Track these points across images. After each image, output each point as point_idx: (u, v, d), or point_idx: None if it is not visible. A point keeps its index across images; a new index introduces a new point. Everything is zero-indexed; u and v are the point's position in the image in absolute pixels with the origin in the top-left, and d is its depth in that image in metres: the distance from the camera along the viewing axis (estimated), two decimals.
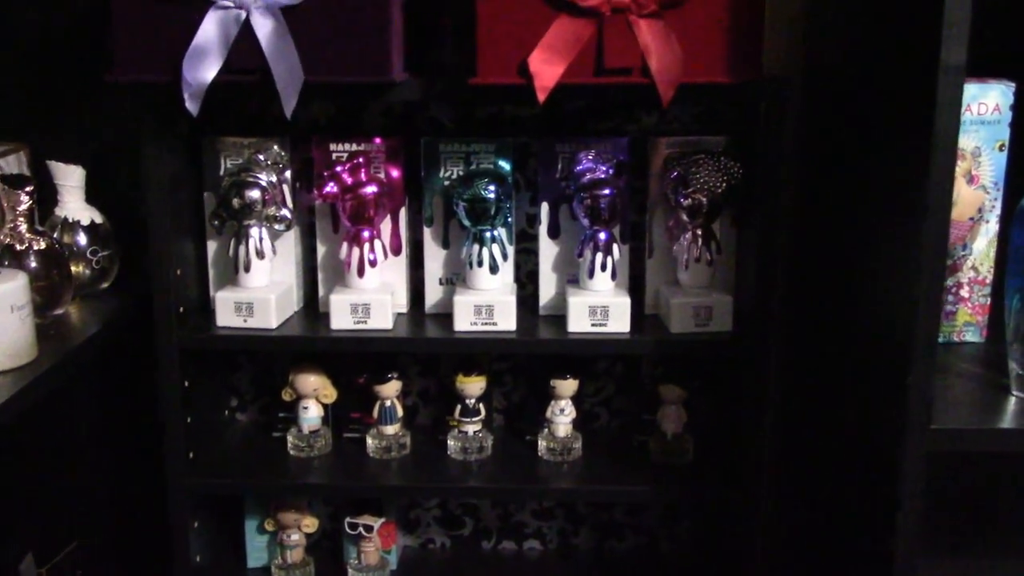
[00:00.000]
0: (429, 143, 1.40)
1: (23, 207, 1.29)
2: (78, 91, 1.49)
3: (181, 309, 1.37)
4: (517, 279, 1.48)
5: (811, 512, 1.48)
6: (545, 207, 1.41)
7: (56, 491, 1.48)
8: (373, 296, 1.37)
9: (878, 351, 1.13)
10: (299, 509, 1.53)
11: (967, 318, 1.25)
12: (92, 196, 1.45)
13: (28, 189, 1.29)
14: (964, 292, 1.24)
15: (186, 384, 1.39)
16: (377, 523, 1.52)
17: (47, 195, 1.42)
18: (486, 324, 1.36)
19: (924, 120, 0.97)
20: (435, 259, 1.44)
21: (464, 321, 1.36)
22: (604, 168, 1.36)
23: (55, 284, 1.32)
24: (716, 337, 1.35)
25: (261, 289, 1.38)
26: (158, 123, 1.28)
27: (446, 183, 1.40)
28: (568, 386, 1.46)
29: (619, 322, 1.35)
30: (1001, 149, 1.19)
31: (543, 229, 1.42)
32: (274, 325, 1.37)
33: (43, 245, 1.31)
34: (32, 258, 1.29)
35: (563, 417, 1.47)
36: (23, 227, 1.29)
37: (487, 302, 1.35)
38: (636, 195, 1.43)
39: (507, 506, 1.65)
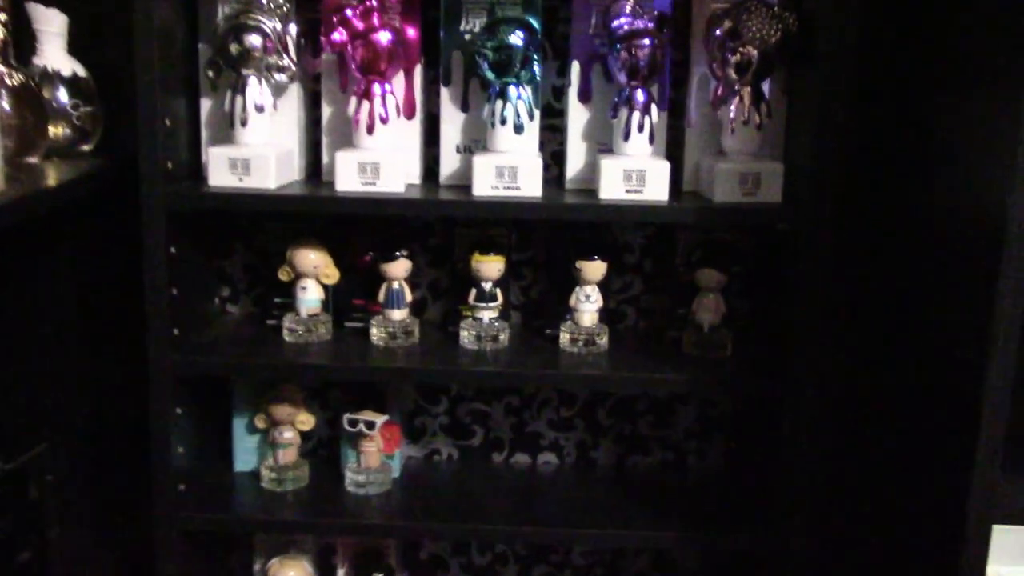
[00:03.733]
0: None
1: None
2: None
3: (170, 165, 1.23)
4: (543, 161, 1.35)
5: (861, 424, 1.35)
6: (576, 67, 1.27)
7: (24, 379, 1.34)
8: (384, 155, 1.23)
9: (961, 241, 1.00)
10: (294, 402, 1.39)
11: None
12: (77, 50, 1.32)
13: (1, 18, 1.15)
14: None
15: (173, 251, 1.25)
16: (380, 420, 1.38)
17: (25, 43, 1.29)
18: (508, 188, 1.22)
19: None
20: (453, 123, 1.30)
21: (484, 184, 1.22)
22: (644, 21, 1.23)
23: (27, 126, 1.18)
24: (764, 207, 1.22)
25: (260, 146, 1.25)
26: None
27: (467, 36, 1.26)
28: (595, 268, 1.32)
29: (657, 188, 1.21)
30: None
31: (573, 92, 1.28)
32: (273, 185, 1.23)
33: (16, 82, 1.17)
34: (3, 94, 1.15)
35: (589, 304, 1.33)
36: None
37: (510, 164, 1.22)
38: (675, 66, 1.30)
39: (521, 413, 1.51)
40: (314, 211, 1.28)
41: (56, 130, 1.29)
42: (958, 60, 1.09)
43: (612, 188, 1.22)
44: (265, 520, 1.35)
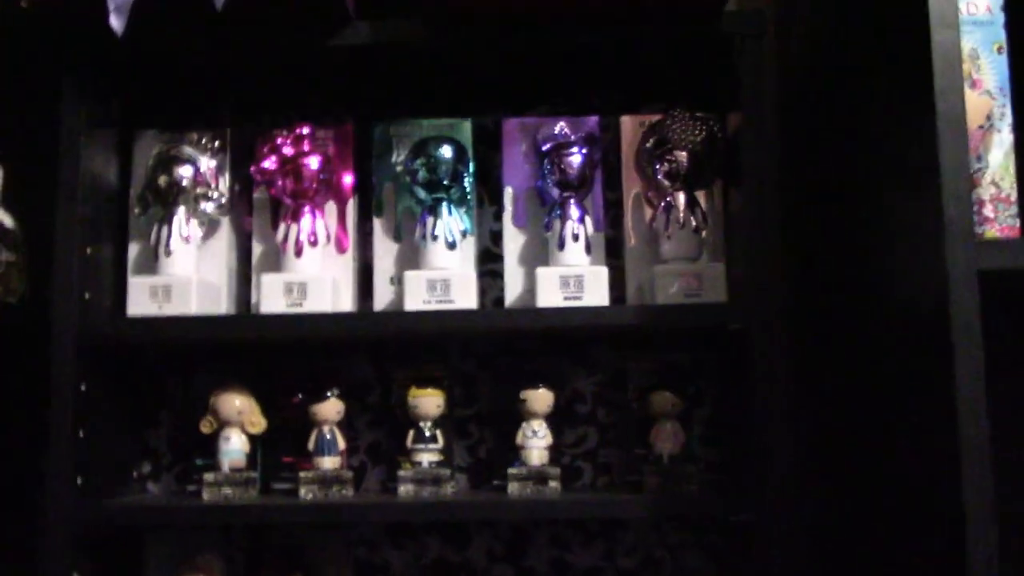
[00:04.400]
0: (381, 127, 1.28)
1: None
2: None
3: (87, 295, 1.18)
4: (481, 306, 1.30)
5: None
6: (509, 191, 1.27)
7: None
8: (311, 276, 1.19)
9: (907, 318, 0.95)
10: (210, 573, 1.23)
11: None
12: (11, 203, 1.30)
13: None
14: (988, 211, 1.08)
15: (83, 388, 1.16)
16: None
17: None
18: (441, 302, 1.17)
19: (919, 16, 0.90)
20: (386, 255, 1.27)
21: (416, 299, 1.17)
22: (574, 137, 1.24)
23: None
24: (709, 306, 1.16)
25: (182, 274, 1.20)
26: (88, 101, 1.18)
27: (399, 168, 1.27)
28: (541, 398, 1.23)
29: (596, 294, 1.16)
30: (999, 51, 1.09)
31: (507, 218, 1.27)
32: (194, 310, 1.17)
33: None
34: None
35: (537, 440, 1.22)
36: None
37: (442, 277, 1.17)
38: (610, 185, 1.30)
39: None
40: (236, 337, 1.20)
41: None
42: (879, 160, 1.09)
43: (550, 296, 1.16)
44: None
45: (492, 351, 1.34)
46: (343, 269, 1.26)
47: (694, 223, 1.20)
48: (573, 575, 1.33)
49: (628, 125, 1.28)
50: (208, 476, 1.22)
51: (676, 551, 1.32)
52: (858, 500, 1.12)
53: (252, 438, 1.25)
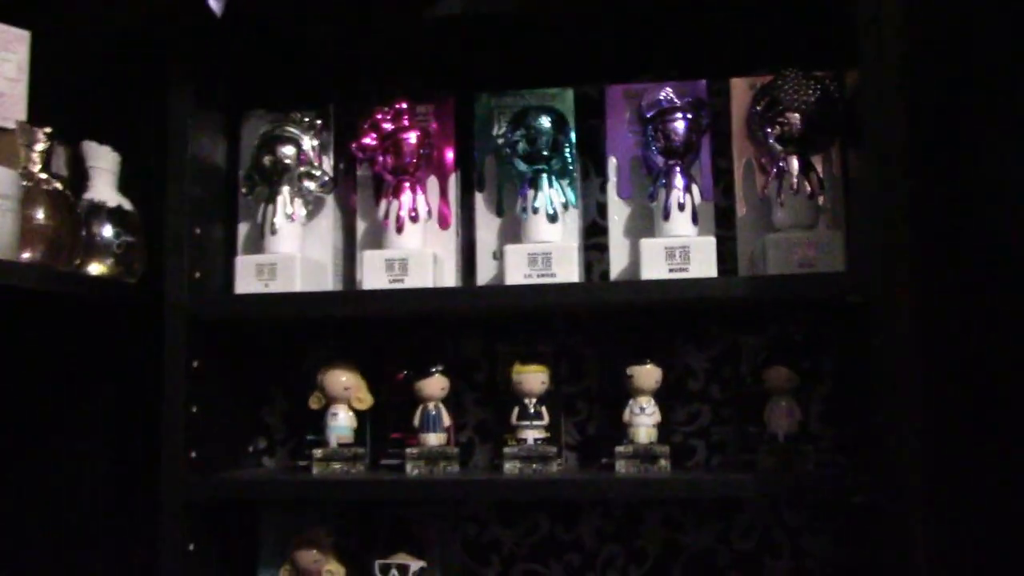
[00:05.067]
0: (482, 100, 1.26)
1: (39, 147, 1.18)
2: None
3: (197, 275, 1.20)
4: (587, 279, 1.27)
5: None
6: (613, 162, 1.23)
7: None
8: (412, 252, 1.18)
9: None
10: (322, 548, 1.24)
11: None
12: (128, 189, 1.35)
13: (46, 130, 1.19)
14: None
15: (195, 364, 1.19)
16: (415, 565, 1.21)
17: (78, 182, 1.33)
18: (542, 276, 1.14)
19: None
20: (488, 229, 1.24)
21: (517, 273, 1.14)
22: (679, 102, 1.19)
23: (60, 231, 1.17)
24: (824, 277, 1.09)
25: (286, 252, 1.21)
26: (194, 85, 1.19)
27: (499, 140, 1.24)
28: (648, 374, 1.19)
29: (703, 265, 1.11)
30: None
31: (612, 189, 1.23)
32: (299, 287, 1.18)
33: (52, 187, 1.19)
34: (39, 198, 1.16)
35: (644, 418, 1.18)
36: (36, 167, 1.18)
37: (543, 250, 1.14)
38: (720, 152, 1.24)
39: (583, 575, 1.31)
40: (341, 313, 1.20)
41: (102, 267, 1.29)
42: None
43: (654, 268, 1.12)
44: None
45: (598, 326, 1.31)
46: (446, 244, 1.25)
47: (809, 189, 1.13)
48: (687, 557, 1.29)
49: (739, 88, 1.22)
50: (317, 451, 1.23)
51: (794, 533, 1.26)
52: (991, 485, 1.04)
53: (359, 414, 1.25)
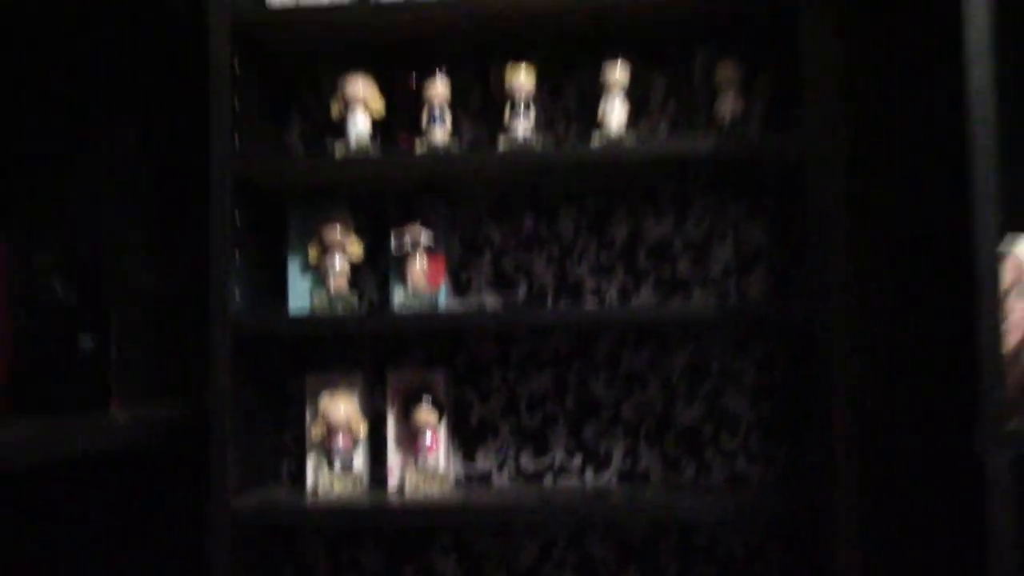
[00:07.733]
0: None
1: None
2: None
3: None
4: None
5: None
6: None
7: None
8: None
9: None
10: (344, 225, 1.48)
11: None
12: None
13: None
14: None
15: (236, 70, 1.40)
16: (425, 236, 1.46)
17: None
18: None
19: None
20: None
21: None
22: None
23: None
24: None
25: None
26: None
27: None
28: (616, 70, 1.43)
29: None
30: None
31: None
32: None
33: None
34: None
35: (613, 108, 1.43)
36: None
37: None
38: None
39: (563, 261, 1.56)
40: (358, 24, 1.42)
41: None
42: None
43: None
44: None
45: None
46: None
47: None
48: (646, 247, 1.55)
49: None
50: (338, 146, 1.44)
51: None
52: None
53: (373, 123, 1.47)
